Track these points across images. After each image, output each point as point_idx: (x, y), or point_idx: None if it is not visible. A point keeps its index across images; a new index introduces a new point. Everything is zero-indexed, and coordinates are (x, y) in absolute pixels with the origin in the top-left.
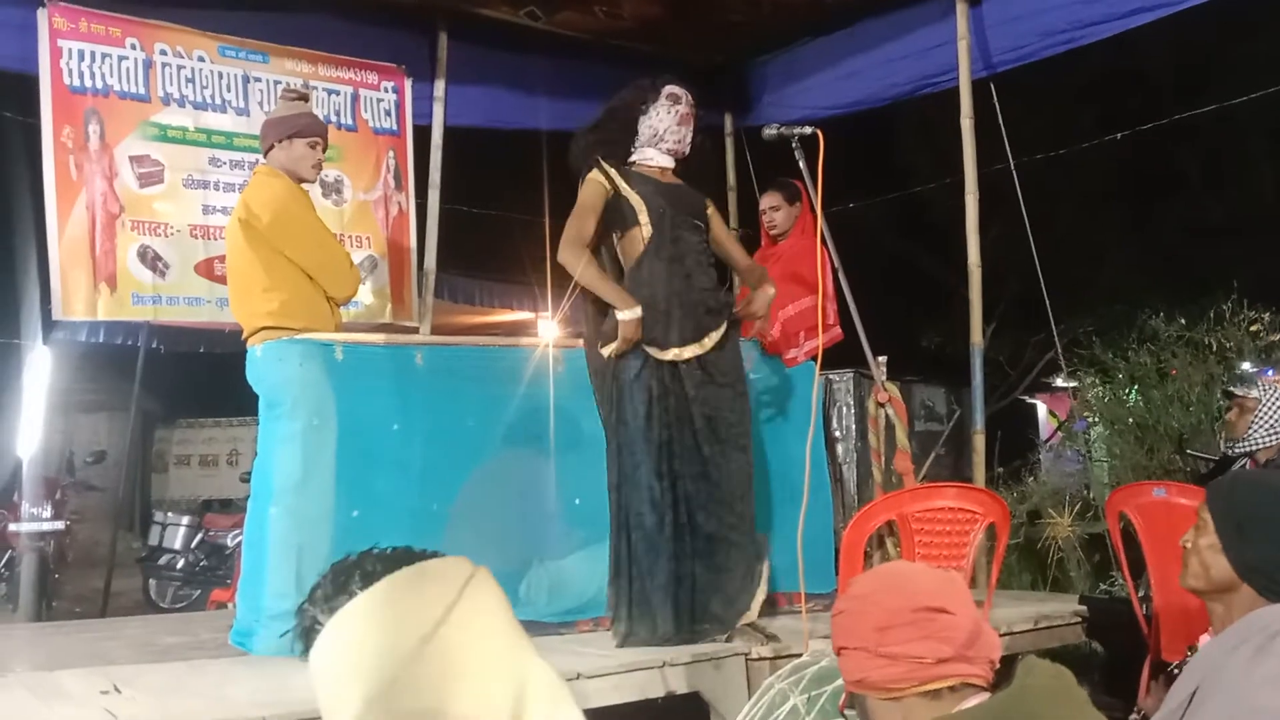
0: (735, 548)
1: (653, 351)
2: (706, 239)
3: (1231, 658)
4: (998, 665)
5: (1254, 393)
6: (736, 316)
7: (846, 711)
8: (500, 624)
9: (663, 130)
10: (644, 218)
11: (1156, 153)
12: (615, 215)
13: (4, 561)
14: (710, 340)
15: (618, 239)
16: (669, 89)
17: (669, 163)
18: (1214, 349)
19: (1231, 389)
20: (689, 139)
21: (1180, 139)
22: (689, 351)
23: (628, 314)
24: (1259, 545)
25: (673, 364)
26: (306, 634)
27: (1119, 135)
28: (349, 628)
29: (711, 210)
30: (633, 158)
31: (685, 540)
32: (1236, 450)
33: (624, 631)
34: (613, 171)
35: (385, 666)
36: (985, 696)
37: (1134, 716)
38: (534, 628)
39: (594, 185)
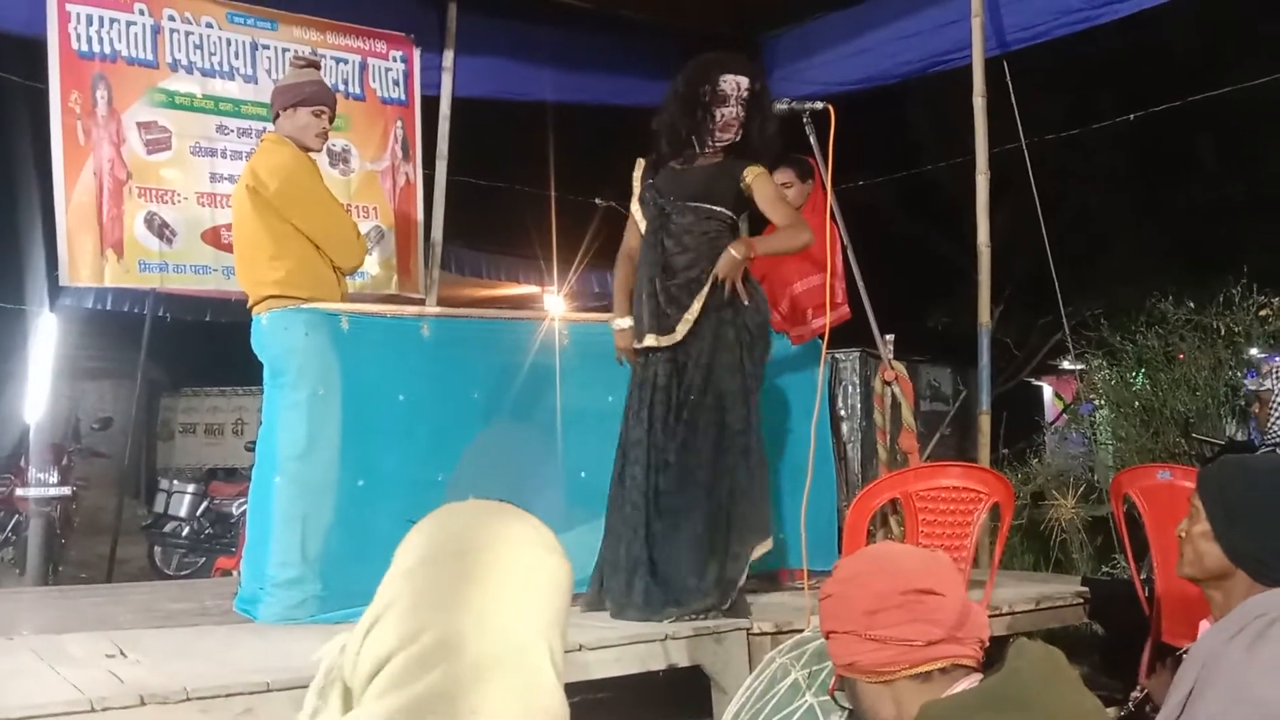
0: (681, 534)
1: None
2: (718, 219)
3: (1229, 646)
4: (987, 645)
5: (1266, 384)
6: (721, 298)
7: (836, 695)
8: (540, 601)
9: (708, 127)
10: (638, 214)
11: (1169, 135)
12: None
13: (11, 526)
14: (680, 330)
15: None
16: (723, 84)
17: (706, 147)
18: (1222, 333)
19: (1255, 388)
20: (727, 136)
21: (1194, 121)
22: (652, 340)
23: (614, 324)
24: (1249, 530)
25: (652, 351)
26: None
27: (1132, 116)
28: (457, 508)
29: (752, 178)
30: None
31: (643, 526)
32: (1268, 442)
33: (586, 600)
34: (636, 174)
35: (451, 542)
36: (976, 678)
37: (1136, 694)
38: None
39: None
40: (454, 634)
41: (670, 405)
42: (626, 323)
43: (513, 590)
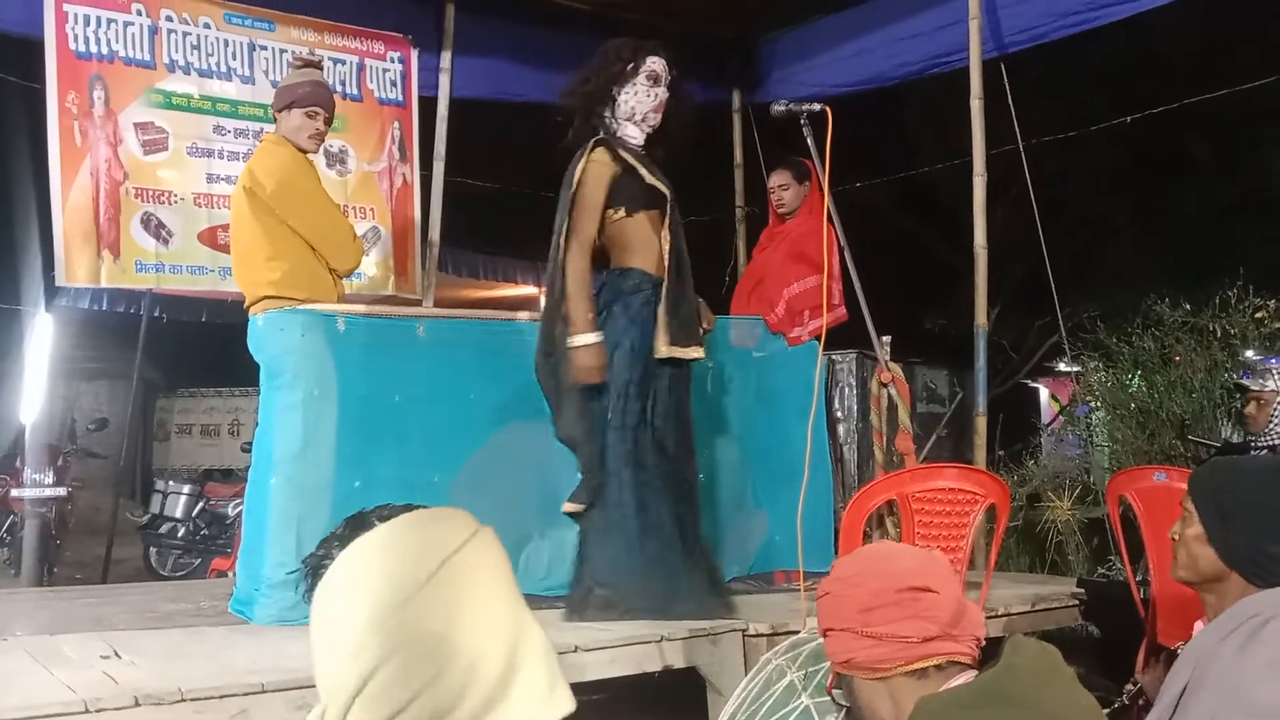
0: None
1: None
2: None
3: (1223, 647)
4: (983, 642)
5: (1270, 385)
6: None
7: (834, 692)
8: (501, 578)
9: (640, 111)
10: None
11: (1166, 137)
12: None
13: (6, 526)
14: None
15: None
16: (650, 67)
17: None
18: (1218, 335)
19: (1246, 383)
20: (658, 121)
21: (1191, 123)
22: None
23: None
24: (1242, 531)
25: None
26: (315, 571)
27: (1128, 119)
28: (363, 555)
29: None
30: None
31: None
32: (1259, 444)
33: None
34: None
35: (396, 589)
36: (972, 675)
37: (1129, 687)
38: (532, 601)
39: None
40: (457, 685)
41: None
42: None
43: (487, 597)
